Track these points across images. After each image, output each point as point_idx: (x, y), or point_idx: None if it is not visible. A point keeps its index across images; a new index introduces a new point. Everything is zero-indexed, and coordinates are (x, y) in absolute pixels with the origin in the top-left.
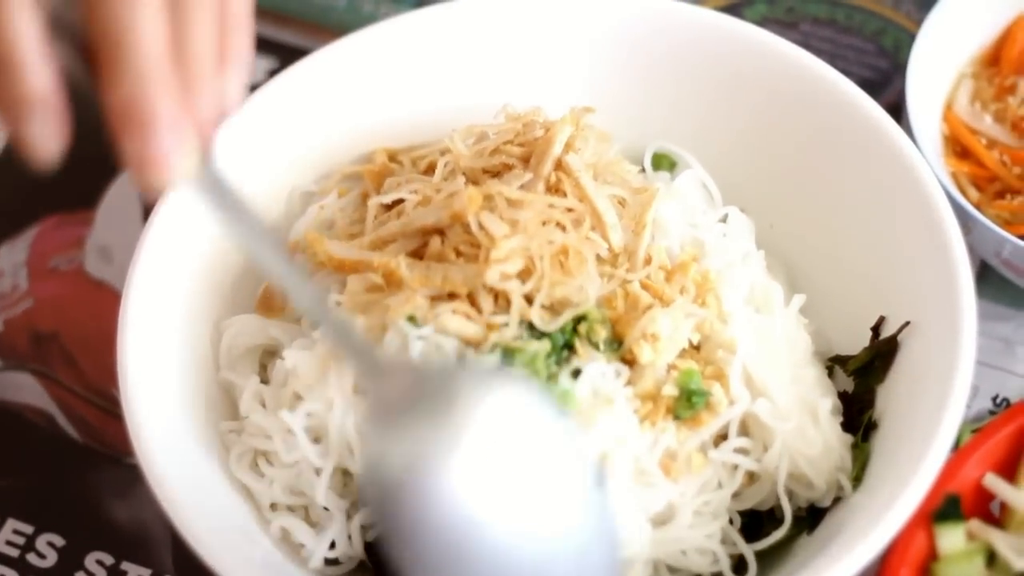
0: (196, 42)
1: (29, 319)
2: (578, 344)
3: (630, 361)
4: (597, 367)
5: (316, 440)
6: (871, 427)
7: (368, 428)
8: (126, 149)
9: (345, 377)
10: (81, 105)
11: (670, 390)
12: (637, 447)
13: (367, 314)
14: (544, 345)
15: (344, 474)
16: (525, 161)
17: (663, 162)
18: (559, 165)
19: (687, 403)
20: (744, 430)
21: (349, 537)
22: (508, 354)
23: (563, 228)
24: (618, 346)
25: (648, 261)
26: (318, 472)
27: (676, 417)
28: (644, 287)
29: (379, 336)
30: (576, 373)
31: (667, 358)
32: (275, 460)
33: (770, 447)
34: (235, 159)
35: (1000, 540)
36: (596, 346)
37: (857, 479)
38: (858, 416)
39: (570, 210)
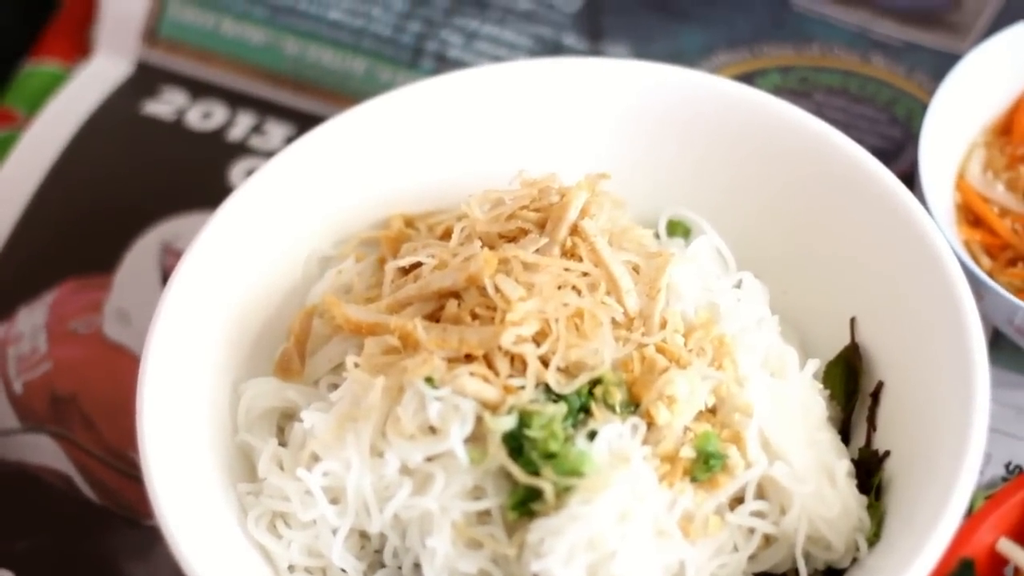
0: None
1: (48, 382)
2: (594, 407)
3: (647, 424)
4: (614, 428)
5: (334, 501)
6: (881, 489)
7: None
8: None
9: (363, 438)
10: (96, 172)
11: (687, 452)
12: (656, 506)
13: (385, 375)
14: (561, 408)
15: (361, 536)
16: (541, 226)
17: (677, 228)
18: (575, 230)
19: (704, 465)
20: (760, 493)
21: None
22: (525, 417)
23: (578, 292)
24: (634, 409)
25: (663, 325)
26: (335, 532)
27: (693, 479)
28: (660, 350)
29: (397, 397)
30: (592, 435)
31: (684, 420)
32: (293, 521)
33: (788, 510)
34: (254, 224)
35: None
36: (612, 408)
37: (872, 540)
38: (867, 479)
39: (585, 274)
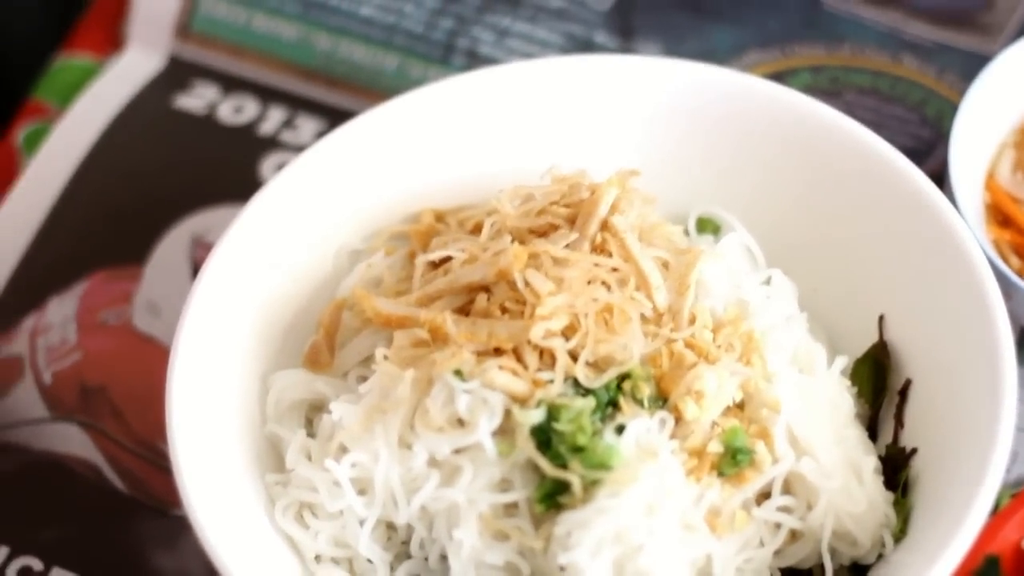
0: None
1: (77, 372)
2: (622, 401)
3: (675, 418)
4: (642, 422)
5: (361, 492)
6: (907, 486)
7: None
8: None
9: (391, 430)
10: (128, 165)
11: (715, 447)
12: (683, 500)
13: (414, 368)
14: (589, 402)
15: (388, 527)
16: (571, 222)
17: (707, 226)
18: (604, 226)
19: (731, 460)
20: (787, 488)
21: None
22: (553, 410)
23: (608, 287)
24: (662, 404)
25: (692, 321)
26: (362, 523)
27: (720, 474)
28: (688, 346)
29: (425, 389)
30: (620, 429)
31: (712, 415)
32: (320, 512)
33: (814, 505)
34: (284, 218)
35: None
36: (640, 403)
37: (898, 536)
38: (894, 475)
39: (615, 270)
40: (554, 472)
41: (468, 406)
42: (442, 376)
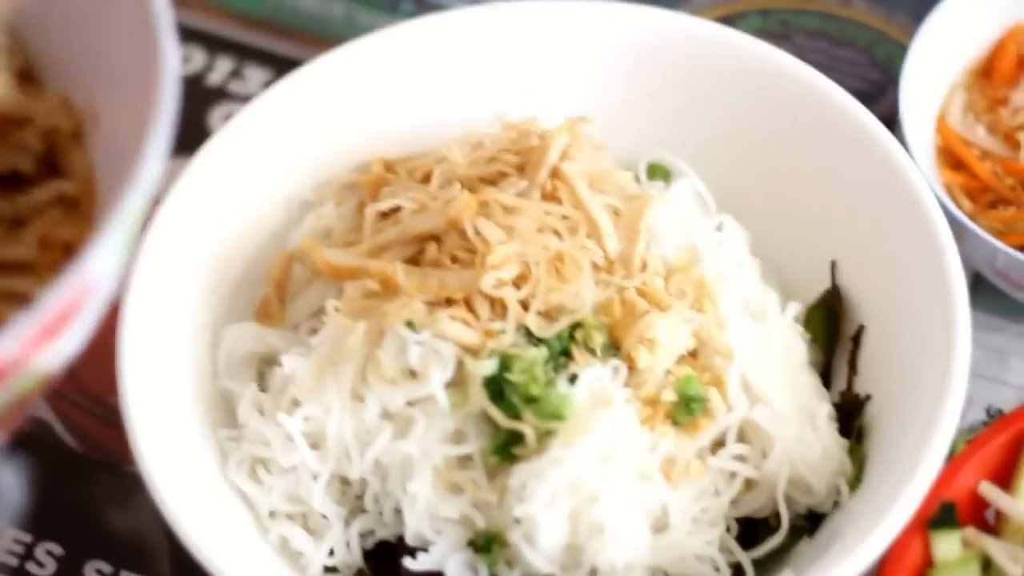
0: None
1: None
2: (575, 350)
3: (628, 367)
4: (595, 371)
5: (314, 446)
6: (862, 433)
7: None
8: None
9: (343, 382)
10: None
11: (668, 395)
12: (638, 449)
13: (365, 319)
14: (541, 352)
15: (342, 482)
16: (521, 170)
17: (658, 172)
18: (555, 173)
19: (685, 409)
20: (742, 437)
21: (348, 544)
22: (506, 361)
23: (559, 235)
24: (615, 352)
25: (643, 268)
26: (316, 478)
27: (674, 423)
28: (640, 293)
29: (377, 341)
30: (573, 379)
31: (665, 363)
32: (273, 467)
33: (769, 453)
34: (232, 169)
35: (995, 548)
36: (593, 352)
37: (853, 484)
38: (848, 422)
39: (565, 217)
40: (508, 423)
41: (420, 357)
42: (393, 327)
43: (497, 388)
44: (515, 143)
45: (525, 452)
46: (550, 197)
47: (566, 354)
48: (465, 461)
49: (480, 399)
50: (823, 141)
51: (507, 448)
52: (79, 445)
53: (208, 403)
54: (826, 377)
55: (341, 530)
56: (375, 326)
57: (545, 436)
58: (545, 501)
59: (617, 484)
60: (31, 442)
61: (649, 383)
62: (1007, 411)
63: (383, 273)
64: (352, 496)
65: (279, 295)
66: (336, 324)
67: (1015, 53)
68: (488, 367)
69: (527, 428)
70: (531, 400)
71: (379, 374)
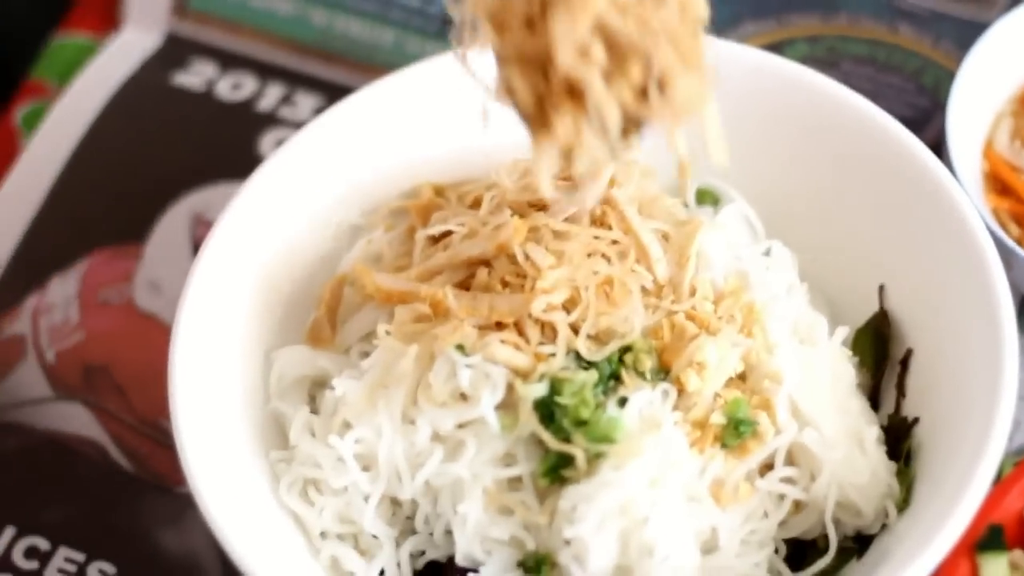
0: None
1: (80, 352)
2: (624, 374)
3: (678, 390)
4: (644, 394)
5: (365, 468)
6: (910, 455)
7: None
8: None
9: (394, 405)
10: (127, 142)
11: (717, 418)
12: (687, 472)
13: (416, 343)
14: (591, 375)
15: (393, 502)
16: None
17: (707, 197)
18: (604, 199)
19: (734, 432)
20: (790, 459)
21: (398, 565)
22: (556, 384)
23: (608, 260)
24: (664, 376)
25: (692, 292)
26: (367, 499)
27: (723, 446)
28: (689, 317)
29: (428, 364)
30: (623, 401)
31: (714, 386)
32: (324, 488)
33: (817, 476)
34: (284, 194)
35: None
36: (643, 376)
37: (902, 506)
38: (896, 445)
39: (615, 242)
40: (558, 446)
41: (470, 380)
42: (444, 351)
43: (547, 411)
44: (564, 169)
45: (575, 475)
46: (599, 223)
47: (616, 377)
48: (515, 483)
49: (531, 422)
50: (871, 167)
51: (557, 470)
52: (132, 466)
53: (259, 425)
54: (874, 400)
55: (392, 550)
56: (426, 350)
57: (595, 459)
58: (595, 523)
59: (667, 506)
60: (85, 463)
61: (698, 406)
62: None
63: (434, 297)
64: (403, 517)
65: (330, 318)
66: (387, 347)
67: None
68: (538, 390)
69: (577, 451)
70: (581, 423)
71: (430, 397)
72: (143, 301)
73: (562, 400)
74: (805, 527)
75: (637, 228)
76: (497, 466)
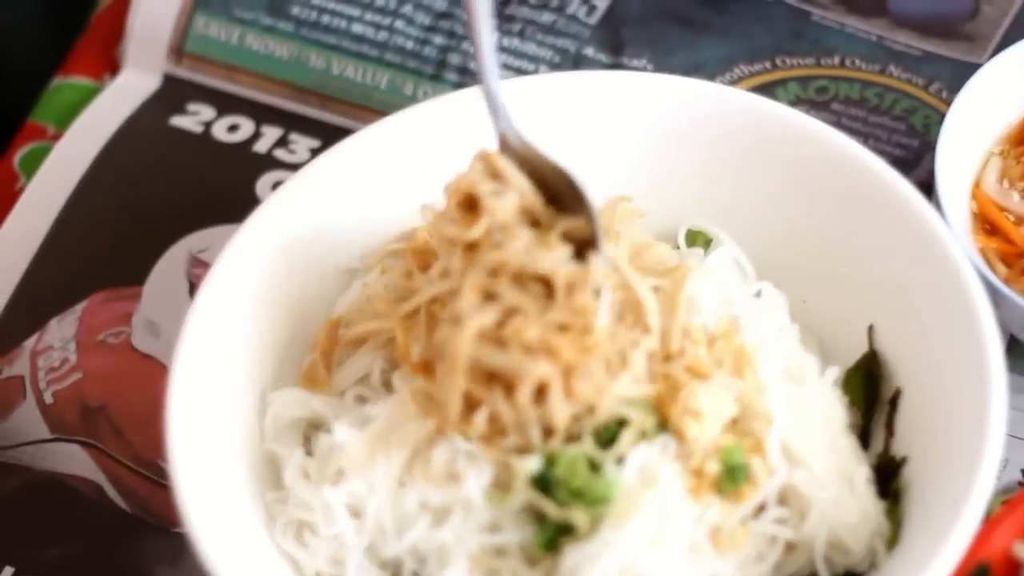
0: None
1: (78, 392)
2: (623, 434)
3: (676, 439)
4: (643, 451)
5: (355, 515)
6: (899, 494)
7: None
8: None
9: (393, 466)
10: (125, 185)
11: (712, 466)
12: (686, 522)
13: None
14: (583, 448)
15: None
16: None
17: (698, 239)
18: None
19: (729, 478)
20: (781, 499)
21: None
22: (550, 457)
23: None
24: (662, 426)
25: (683, 337)
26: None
27: (719, 491)
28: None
29: (433, 439)
30: (621, 458)
31: (712, 432)
32: (317, 531)
33: (807, 515)
34: (281, 236)
35: None
36: (642, 434)
37: (891, 544)
38: (885, 484)
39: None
40: (559, 514)
41: (462, 464)
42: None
43: (543, 483)
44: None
45: (574, 537)
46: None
47: (613, 439)
48: (502, 550)
49: (529, 494)
50: (860, 208)
51: (556, 539)
52: (130, 506)
53: (255, 466)
54: (864, 439)
55: None
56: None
57: (595, 519)
58: None
59: (669, 560)
60: (84, 503)
61: (696, 454)
62: None
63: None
64: (391, 565)
65: (325, 361)
66: (400, 403)
67: None
68: (533, 465)
69: (579, 517)
70: (577, 493)
71: (426, 472)
72: (141, 342)
73: (556, 473)
74: (796, 566)
75: (635, 284)
76: (483, 533)
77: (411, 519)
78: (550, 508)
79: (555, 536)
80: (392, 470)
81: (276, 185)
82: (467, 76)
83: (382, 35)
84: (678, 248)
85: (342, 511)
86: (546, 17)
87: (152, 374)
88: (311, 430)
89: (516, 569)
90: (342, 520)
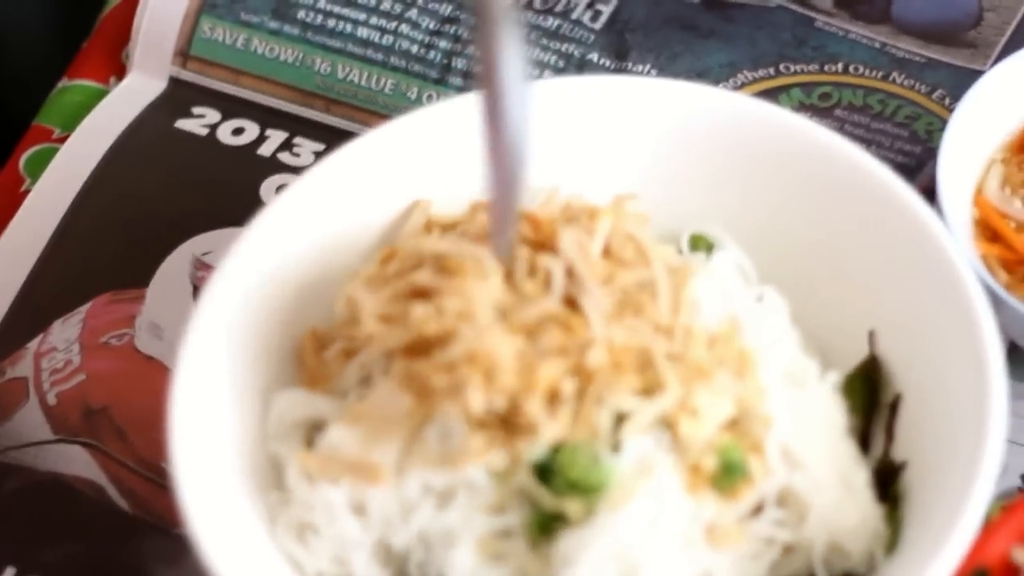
0: None
1: (81, 393)
2: (623, 427)
3: (672, 434)
4: (639, 442)
5: (359, 513)
6: (898, 499)
7: None
8: None
9: (389, 452)
10: (131, 187)
11: (710, 462)
12: (681, 515)
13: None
14: (586, 439)
15: (387, 547)
16: None
17: (700, 243)
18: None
19: (727, 475)
20: (780, 502)
21: None
22: (555, 445)
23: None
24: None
25: (685, 338)
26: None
27: (716, 488)
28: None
29: (425, 420)
30: (617, 444)
31: (708, 431)
32: (319, 531)
33: (806, 518)
34: (284, 238)
35: None
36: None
37: (889, 549)
38: (885, 488)
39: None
40: (554, 503)
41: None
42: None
43: (542, 470)
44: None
45: (568, 524)
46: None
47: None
48: (506, 532)
49: (527, 481)
50: (862, 213)
51: (549, 524)
52: (131, 507)
53: (258, 466)
54: (864, 443)
55: None
56: (425, 408)
57: (588, 508)
58: (592, 569)
59: (662, 551)
60: (86, 504)
61: (691, 450)
62: None
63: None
64: (397, 559)
65: (325, 362)
66: (385, 393)
67: None
68: (537, 452)
69: (572, 505)
70: (573, 484)
71: (424, 456)
72: (144, 344)
73: (556, 460)
74: (793, 568)
75: (654, 261)
76: (488, 515)
77: (415, 504)
78: (546, 497)
79: (548, 521)
80: (389, 458)
81: (281, 188)
82: (471, 80)
83: (387, 39)
84: (681, 252)
85: (344, 511)
86: (550, 22)
87: (155, 376)
88: (314, 430)
89: (521, 552)
90: (344, 519)
